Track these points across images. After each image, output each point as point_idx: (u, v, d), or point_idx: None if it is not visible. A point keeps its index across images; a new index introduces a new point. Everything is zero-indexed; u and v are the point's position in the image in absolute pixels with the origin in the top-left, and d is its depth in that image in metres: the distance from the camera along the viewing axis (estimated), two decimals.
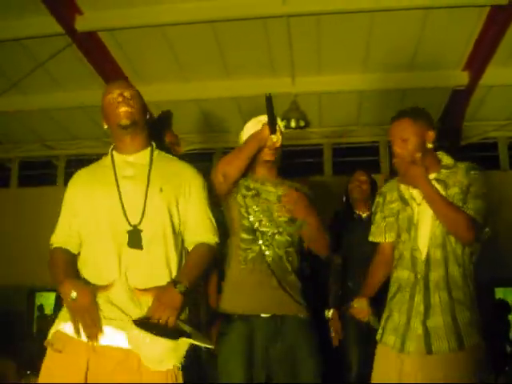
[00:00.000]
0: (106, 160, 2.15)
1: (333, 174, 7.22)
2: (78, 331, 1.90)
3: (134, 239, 1.99)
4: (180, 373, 1.98)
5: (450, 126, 6.36)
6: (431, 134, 2.31)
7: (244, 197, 2.51)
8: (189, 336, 1.92)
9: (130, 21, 5.15)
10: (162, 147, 2.29)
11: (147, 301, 1.95)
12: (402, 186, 2.40)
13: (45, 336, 2.01)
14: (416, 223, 2.31)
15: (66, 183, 2.20)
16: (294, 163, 7.07)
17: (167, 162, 2.20)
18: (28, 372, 4.81)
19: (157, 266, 2.02)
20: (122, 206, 2.00)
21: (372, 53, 5.58)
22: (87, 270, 2.03)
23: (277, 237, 2.47)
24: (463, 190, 2.25)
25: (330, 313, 3.67)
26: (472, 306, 2.26)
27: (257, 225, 2.48)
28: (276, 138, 2.43)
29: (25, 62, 5.70)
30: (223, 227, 2.42)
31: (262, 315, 2.38)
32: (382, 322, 2.39)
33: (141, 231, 2.00)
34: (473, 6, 4.83)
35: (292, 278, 2.48)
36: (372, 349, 2.43)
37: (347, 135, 7.21)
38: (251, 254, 2.45)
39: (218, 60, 5.80)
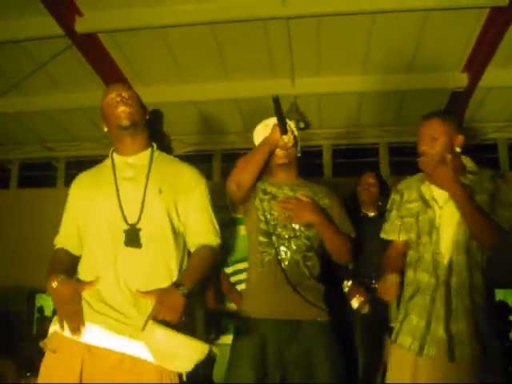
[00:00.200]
0: (107, 162, 2.17)
1: (333, 176, 7.22)
2: (62, 325, 1.92)
3: (132, 238, 1.99)
4: (176, 377, 1.96)
5: None
6: (460, 138, 2.30)
7: (261, 201, 2.51)
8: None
9: (129, 22, 5.15)
10: (159, 147, 2.29)
11: (145, 302, 1.95)
12: (423, 187, 2.38)
13: (44, 338, 2.02)
14: (438, 226, 2.29)
15: (65, 185, 2.22)
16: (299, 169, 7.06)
17: (168, 163, 2.20)
18: (28, 374, 4.82)
19: (156, 265, 2.02)
20: (120, 207, 2.01)
21: (372, 54, 5.58)
22: (86, 271, 2.04)
23: (293, 241, 2.46)
24: (490, 197, 2.25)
25: (348, 283, 3.63)
26: (490, 310, 2.28)
27: (272, 229, 2.47)
28: (288, 138, 2.44)
29: (25, 64, 5.71)
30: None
31: (277, 319, 2.37)
32: (397, 323, 2.38)
33: (139, 230, 2.00)
34: (472, 8, 4.83)
35: (311, 282, 2.46)
36: (379, 350, 2.44)
37: (347, 136, 7.20)
38: (267, 257, 2.45)
39: (217, 61, 5.80)
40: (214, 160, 7.51)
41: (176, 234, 2.09)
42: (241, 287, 2.93)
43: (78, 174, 2.25)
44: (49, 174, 7.75)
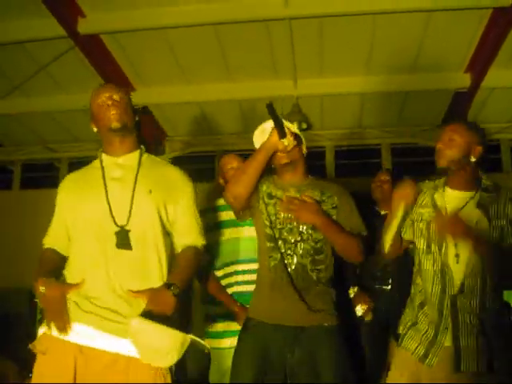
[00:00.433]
0: (95, 162, 2.19)
1: (335, 177, 7.21)
2: (49, 326, 1.94)
3: (122, 240, 2.00)
4: (169, 375, 1.99)
5: None
6: (479, 149, 2.28)
7: (266, 205, 2.49)
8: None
9: (132, 23, 5.14)
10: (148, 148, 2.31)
11: (138, 301, 1.96)
12: (437, 194, 2.35)
13: None
14: (448, 240, 2.26)
15: None
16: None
17: (156, 165, 2.22)
18: (30, 374, 4.80)
19: (146, 265, 2.03)
20: (109, 208, 2.02)
21: (374, 55, 5.57)
22: (74, 272, 2.05)
23: (300, 245, 2.43)
24: (510, 223, 2.23)
25: (354, 289, 3.64)
26: (503, 328, 2.25)
27: (278, 233, 2.45)
28: (287, 142, 2.39)
29: (27, 65, 5.71)
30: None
31: (281, 324, 2.37)
32: (404, 328, 2.37)
33: (128, 231, 2.01)
34: (475, 9, 4.81)
35: (319, 287, 2.44)
36: (383, 350, 2.43)
37: (349, 137, 7.19)
38: (273, 261, 2.44)
39: (219, 62, 5.80)
40: (217, 160, 7.51)
41: (165, 234, 2.12)
42: (232, 290, 2.93)
43: None
44: (51, 175, 7.74)
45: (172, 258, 2.14)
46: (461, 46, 5.42)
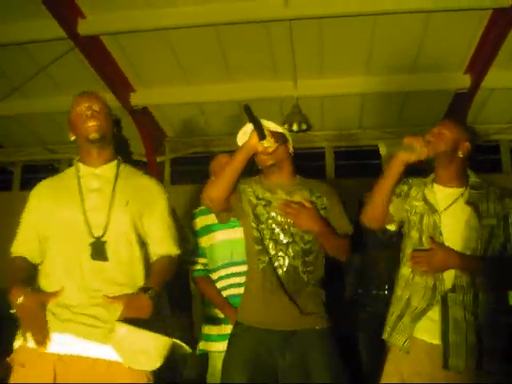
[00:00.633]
0: (71, 171, 2.17)
1: (335, 177, 7.21)
2: (26, 338, 1.91)
3: (98, 251, 2.00)
4: (151, 378, 1.99)
5: None
6: (467, 145, 2.31)
7: (254, 206, 2.45)
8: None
9: (132, 24, 5.15)
10: (130, 158, 2.30)
11: (114, 307, 1.96)
12: (427, 190, 2.36)
13: None
14: (442, 234, 2.26)
15: None
16: (296, 166, 7.06)
17: (133, 176, 2.22)
18: None
19: (122, 276, 2.03)
20: (86, 219, 2.01)
21: (374, 56, 5.58)
22: (49, 281, 2.01)
23: (291, 246, 2.40)
24: (500, 221, 2.24)
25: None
26: (499, 328, 2.23)
27: (268, 234, 2.41)
28: (267, 143, 2.33)
29: (27, 66, 5.72)
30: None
31: (271, 329, 2.33)
32: (391, 322, 2.36)
33: (104, 242, 2.00)
34: (475, 9, 4.82)
35: (309, 289, 2.41)
36: (380, 355, 2.41)
37: (349, 138, 7.20)
38: (261, 264, 2.40)
39: (220, 63, 5.81)
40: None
41: (141, 244, 2.12)
42: (227, 293, 2.91)
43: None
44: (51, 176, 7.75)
45: (148, 267, 2.14)
46: (461, 47, 5.43)
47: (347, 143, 7.27)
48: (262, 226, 2.43)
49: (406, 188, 2.44)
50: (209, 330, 2.97)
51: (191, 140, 7.15)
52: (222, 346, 2.73)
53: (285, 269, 2.38)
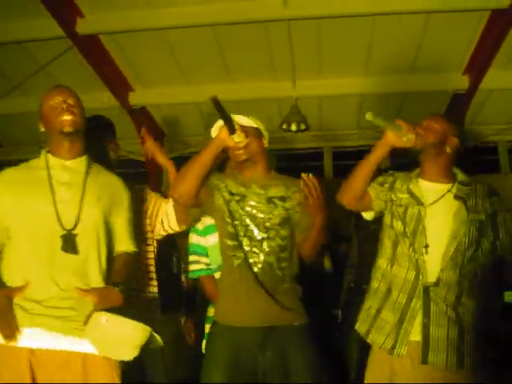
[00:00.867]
0: (39, 162, 2.16)
1: (334, 177, 7.22)
2: None
3: (68, 243, 2.00)
4: (119, 369, 2.02)
5: None
6: (454, 140, 2.30)
7: (228, 202, 2.39)
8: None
9: (131, 24, 5.15)
10: (103, 156, 2.32)
11: (85, 300, 1.97)
12: (412, 184, 2.34)
13: None
14: (425, 226, 2.24)
15: None
16: (294, 166, 7.07)
17: (101, 173, 2.22)
18: None
19: (89, 269, 2.04)
20: (56, 211, 2.00)
21: (373, 56, 5.59)
22: (15, 274, 1.99)
23: (266, 242, 2.35)
24: (488, 217, 2.23)
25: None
26: (481, 324, 2.20)
27: (243, 231, 2.36)
28: (238, 138, 2.31)
29: (26, 65, 5.71)
30: None
31: (250, 327, 2.29)
32: (368, 317, 2.33)
33: (75, 235, 2.01)
34: (473, 10, 4.83)
35: (286, 285, 2.37)
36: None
37: (348, 139, 7.20)
38: (236, 261, 2.34)
39: (219, 63, 5.81)
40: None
41: (108, 240, 2.14)
42: None
43: None
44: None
45: (110, 263, 2.16)
46: (459, 48, 5.44)
47: (346, 143, 7.28)
48: (236, 222, 2.37)
49: (391, 179, 2.42)
50: (206, 328, 2.97)
51: (190, 139, 7.15)
52: None
53: (260, 266, 2.33)
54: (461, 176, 2.34)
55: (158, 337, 2.00)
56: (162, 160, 2.84)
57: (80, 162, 2.15)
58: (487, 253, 2.25)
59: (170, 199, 2.65)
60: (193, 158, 2.37)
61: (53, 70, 5.79)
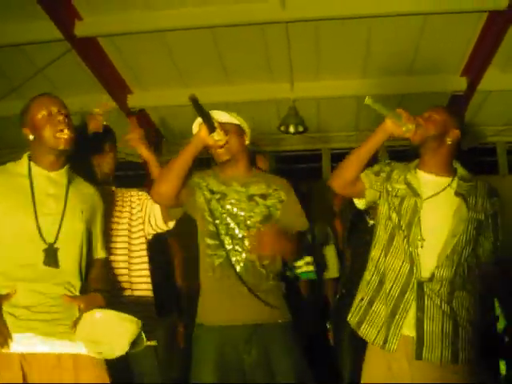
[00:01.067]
0: (21, 169, 2.08)
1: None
2: None
3: (50, 257, 1.98)
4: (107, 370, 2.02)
5: None
6: (456, 132, 2.27)
7: (208, 200, 2.38)
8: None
9: (129, 26, 5.14)
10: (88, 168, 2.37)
11: (71, 306, 1.98)
12: (410, 175, 2.30)
13: None
14: (421, 219, 2.21)
15: None
16: (292, 168, 7.07)
17: (79, 183, 2.21)
18: None
19: (72, 280, 2.04)
20: (38, 225, 1.98)
21: (371, 58, 5.59)
22: (2, 281, 1.97)
23: (247, 240, 2.33)
24: (488, 218, 2.23)
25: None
26: (475, 319, 2.19)
27: (224, 229, 2.34)
28: (218, 136, 2.30)
29: (24, 67, 5.70)
30: None
31: (234, 325, 2.28)
32: (362, 310, 2.31)
33: (57, 249, 1.99)
34: (471, 12, 4.83)
35: (269, 283, 2.36)
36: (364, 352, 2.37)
37: (346, 140, 7.20)
38: (217, 260, 2.33)
39: (216, 65, 5.80)
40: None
41: (88, 250, 2.15)
42: None
43: None
44: None
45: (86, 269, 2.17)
46: (457, 49, 5.44)
47: (344, 145, 7.27)
48: (217, 220, 2.36)
49: (388, 169, 2.38)
50: None
51: (188, 142, 7.13)
52: None
53: (242, 264, 2.32)
54: (461, 170, 2.31)
55: (143, 336, 2.00)
56: (144, 152, 2.83)
57: (63, 174, 2.12)
58: (488, 253, 2.25)
59: None
60: (172, 159, 2.36)
61: (51, 73, 5.78)
